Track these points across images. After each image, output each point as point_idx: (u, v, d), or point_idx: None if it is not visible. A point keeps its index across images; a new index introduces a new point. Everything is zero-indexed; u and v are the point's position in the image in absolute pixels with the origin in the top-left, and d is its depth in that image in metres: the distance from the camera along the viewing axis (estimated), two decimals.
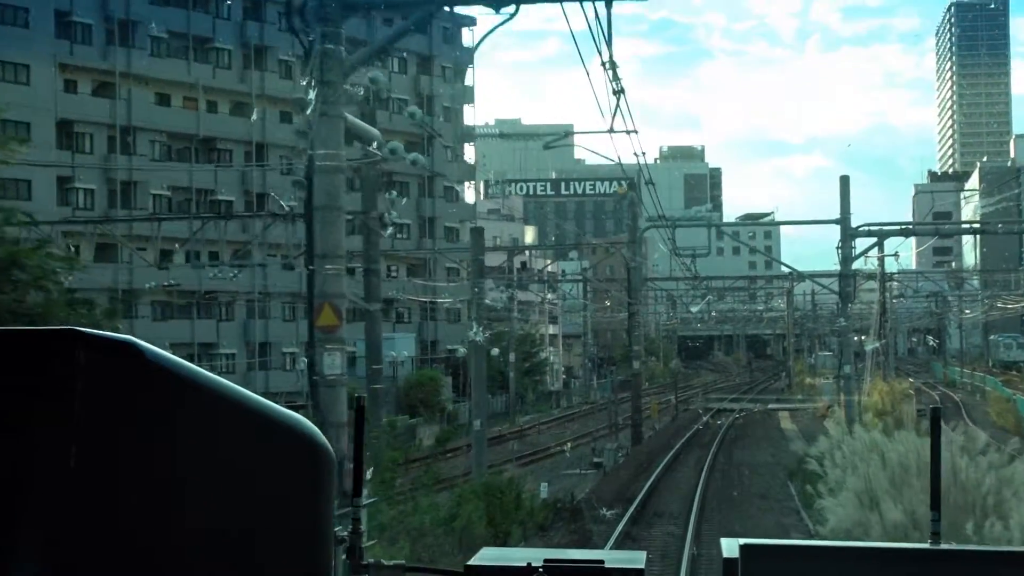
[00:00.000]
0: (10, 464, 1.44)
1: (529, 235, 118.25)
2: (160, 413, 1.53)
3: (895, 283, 76.03)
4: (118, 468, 1.48)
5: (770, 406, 69.54)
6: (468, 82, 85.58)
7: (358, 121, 18.63)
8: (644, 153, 27.84)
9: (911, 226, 51.22)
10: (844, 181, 40.69)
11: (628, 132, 22.74)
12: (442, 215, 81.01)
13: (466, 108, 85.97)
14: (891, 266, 70.16)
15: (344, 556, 2.24)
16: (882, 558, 2.58)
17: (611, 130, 21.93)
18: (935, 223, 75.34)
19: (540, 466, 42.16)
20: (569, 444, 46.45)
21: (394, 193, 33.44)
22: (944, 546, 2.56)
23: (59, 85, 60.10)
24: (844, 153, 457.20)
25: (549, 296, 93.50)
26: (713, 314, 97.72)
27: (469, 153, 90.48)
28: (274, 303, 66.20)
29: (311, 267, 16.23)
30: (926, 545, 2.56)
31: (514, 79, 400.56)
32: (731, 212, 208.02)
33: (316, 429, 1.82)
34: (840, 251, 40.24)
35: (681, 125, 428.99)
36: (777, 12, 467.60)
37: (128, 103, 62.01)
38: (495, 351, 75.55)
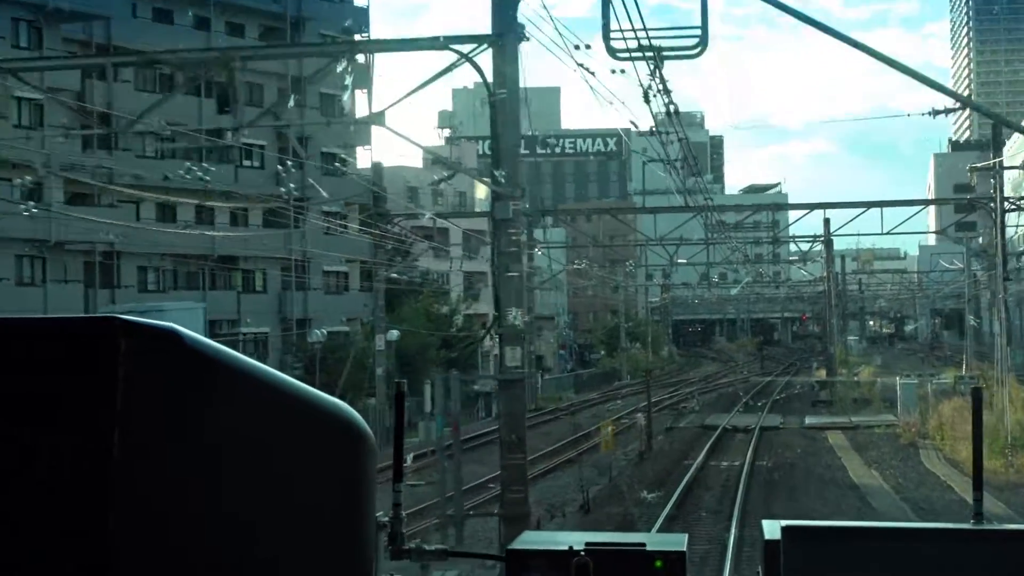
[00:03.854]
0: (54, 454, 1.43)
1: (481, 191, 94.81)
2: (201, 400, 1.52)
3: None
4: (161, 457, 1.46)
5: (808, 420, 43.64)
6: None
7: None
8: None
9: None
10: None
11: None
12: (318, 136, 55.20)
13: None
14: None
15: (386, 541, 2.40)
16: (924, 538, 2.58)
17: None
18: None
19: None
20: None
21: None
22: (986, 526, 2.55)
23: None
24: (845, 139, 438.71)
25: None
26: (717, 279, 72.62)
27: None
28: None
29: None
30: (968, 525, 2.56)
31: None
32: (733, 187, 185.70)
33: (357, 415, 1.80)
34: None
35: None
36: None
37: None
38: (394, 334, 51.06)
